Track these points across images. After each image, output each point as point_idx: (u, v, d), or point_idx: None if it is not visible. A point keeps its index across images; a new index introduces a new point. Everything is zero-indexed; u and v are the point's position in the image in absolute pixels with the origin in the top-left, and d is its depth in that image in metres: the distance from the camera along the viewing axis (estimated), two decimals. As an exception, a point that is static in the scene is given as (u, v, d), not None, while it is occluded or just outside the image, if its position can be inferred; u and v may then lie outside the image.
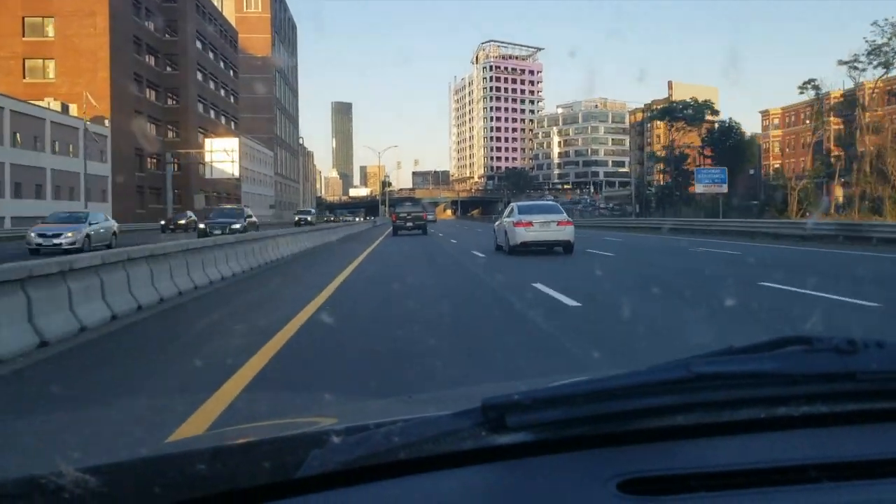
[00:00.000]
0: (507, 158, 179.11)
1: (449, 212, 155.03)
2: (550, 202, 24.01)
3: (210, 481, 0.78)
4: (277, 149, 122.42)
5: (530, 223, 17.70)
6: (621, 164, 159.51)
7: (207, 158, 63.74)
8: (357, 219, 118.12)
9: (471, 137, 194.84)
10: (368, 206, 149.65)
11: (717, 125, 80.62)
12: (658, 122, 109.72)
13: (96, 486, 0.73)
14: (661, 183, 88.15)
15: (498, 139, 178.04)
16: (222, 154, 63.02)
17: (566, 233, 17.89)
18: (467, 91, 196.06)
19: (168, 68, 68.83)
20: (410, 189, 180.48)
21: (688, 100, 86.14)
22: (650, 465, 0.82)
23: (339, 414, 1.42)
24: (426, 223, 38.26)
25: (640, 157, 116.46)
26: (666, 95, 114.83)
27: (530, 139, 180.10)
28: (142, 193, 62.91)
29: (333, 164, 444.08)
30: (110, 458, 0.86)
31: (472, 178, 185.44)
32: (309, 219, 60.12)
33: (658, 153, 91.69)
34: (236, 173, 65.15)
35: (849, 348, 0.89)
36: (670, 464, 0.83)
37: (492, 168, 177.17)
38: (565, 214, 18.67)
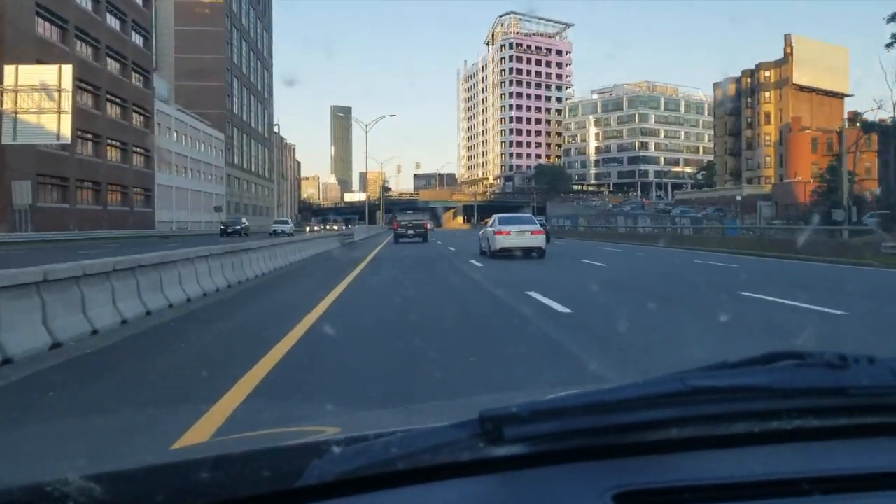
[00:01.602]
0: (528, 156, 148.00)
1: (460, 219, 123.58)
2: (526, 214, 27.89)
3: (212, 489, 0.79)
4: (236, 133, 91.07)
5: (508, 232, 20.94)
6: (674, 161, 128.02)
7: (6, 105, 32.23)
8: (335, 227, 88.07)
9: (484, 132, 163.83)
10: (362, 212, 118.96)
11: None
12: (768, 94, 78.62)
13: (100, 494, 0.74)
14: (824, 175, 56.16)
15: (518, 132, 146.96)
16: (38, 96, 31.68)
17: (539, 240, 21.03)
18: (480, 77, 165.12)
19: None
20: (412, 193, 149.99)
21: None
22: (645, 477, 0.83)
23: (339, 424, 1.44)
24: (427, 231, 37.52)
25: (734, 144, 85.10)
26: (747, 69, 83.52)
27: (558, 132, 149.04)
28: None
29: (332, 170, 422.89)
30: (114, 466, 0.87)
31: (486, 179, 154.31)
32: (286, 230, 50.66)
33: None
34: (66, 133, 33.42)
35: (840, 363, 0.92)
36: (665, 476, 0.84)
37: (510, 167, 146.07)
38: (538, 225, 22.28)
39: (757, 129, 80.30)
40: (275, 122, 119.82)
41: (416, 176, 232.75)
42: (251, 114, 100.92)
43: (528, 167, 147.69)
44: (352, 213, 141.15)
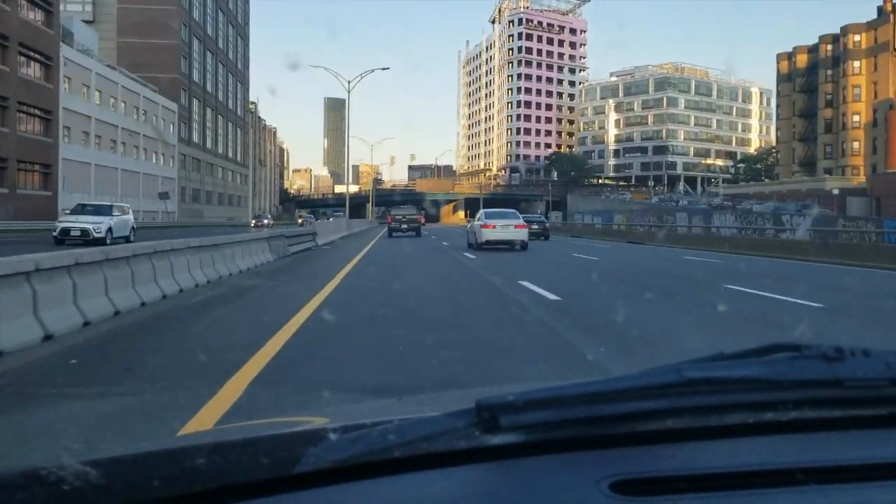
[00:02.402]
0: (537, 145, 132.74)
1: (461, 213, 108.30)
2: (510, 210, 26.07)
3: (208, 476, 0.79)
4: (196, 105, 75.61)
5: (494, 226, 22.18)
6: (706, 153, 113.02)
7: None
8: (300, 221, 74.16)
9: (487, 119, 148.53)
10: (354, 205, 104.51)
11: None
12: (857, 64, 63.49)
13: (96, 479, 0.74)
14: None
15: (526, 118, 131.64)
16: None
17: (522, 234, 22.42)
18: (484, 59, 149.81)
19: None
20: (409, 183, 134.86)
21: None
22: (641, 466, 0.84)
23: (336, 413, 1.42)
24: (420, 226, 38.15)
25: (805, 128, 69.87)
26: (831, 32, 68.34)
27: (570, 120, 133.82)
28: None
29: (325, 162, 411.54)
30: (111, 452, 0.88)
31: (489, 170, 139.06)
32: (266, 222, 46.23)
33: None
34: None
35: (836, 355, 0.92)
36: (660, 466, 0.85)
37: (517, 157, 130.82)
38: (521, 219, 23.40)
39: (840, 107, 65.30)
40: (251, 100, 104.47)
41: (410, 167, 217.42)
42: (220, 86, 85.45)
43: (536, 158, 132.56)
44: (341, 205, 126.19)
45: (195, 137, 74.06)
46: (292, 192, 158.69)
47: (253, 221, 52.42)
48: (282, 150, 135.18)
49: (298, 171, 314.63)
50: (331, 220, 51.94)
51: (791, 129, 73.44)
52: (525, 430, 0.84)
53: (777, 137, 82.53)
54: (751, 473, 0.83)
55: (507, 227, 22.06)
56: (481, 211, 24.11)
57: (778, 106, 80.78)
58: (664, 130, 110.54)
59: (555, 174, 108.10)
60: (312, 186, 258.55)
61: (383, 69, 47.35)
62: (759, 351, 0.96)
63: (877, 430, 0.95)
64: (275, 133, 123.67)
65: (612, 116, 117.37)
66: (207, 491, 0.78)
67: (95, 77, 50.11)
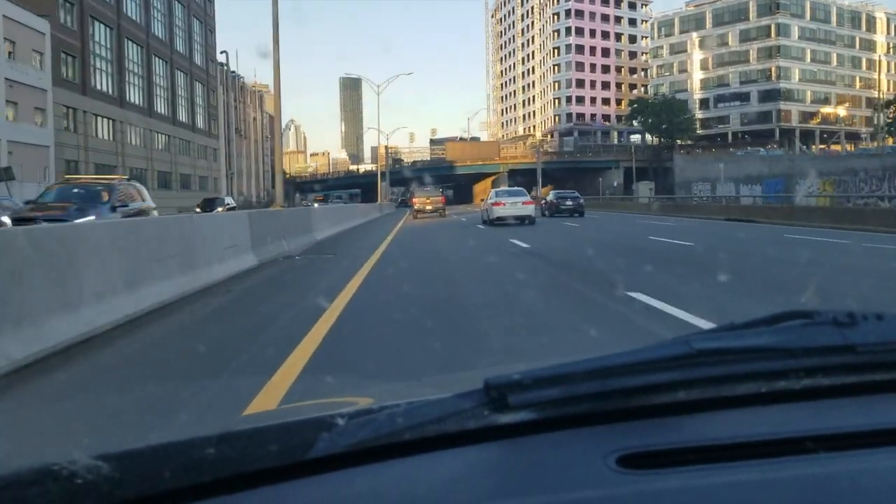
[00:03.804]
0: (594, 100, 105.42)
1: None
2: (518, 188, 28.25)
3: (218, 465, 0.80)
4: (103, 33, 49.60)
5: (504, 203, 24.35)
6: (822, 98, 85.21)
7: None
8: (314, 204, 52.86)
9: (526, 73, 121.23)
10: (368, 185, 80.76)
11: None
12: None
13: (107, 472, 0.75)
14: None
15: (579, 67, 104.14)
16: None
17: (529, 209, 24.58)
18: (519, 1, 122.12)
19: None
20: (434, 152, 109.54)
21: None
22: (650, 440, 0.84)
23: (346, 398, 1.40)
24: (444, 207, 38.04)
25: None
26: None
27: (632, 69, 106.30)
28: None
29: (343, 145, 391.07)
30: (121, 444, 0.88)
31: (531, 136, 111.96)
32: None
33: None
34: None
35: (848, 321, 0.91)
36: (670, 438, 0.85)
37: (568, 117, 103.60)
38: (528, 196, 25.65)
39: None
40: (220, 52, 78.37)
41: (432, 142, 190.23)
42: (159, 18, 59.21)
43: (593, 117, 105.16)
44: (354, 186, 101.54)
45: (96, 83, 47.91)
46: (293, 173, 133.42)
47: (196, 209, 35.63)
48: (270, 117, 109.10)
49: (316, 154, 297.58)
50: (316, 206, 38.51)
51: None
52: (534, 407, 0.85)
53: None
54: (760, 443, 0.83)
55: (515, 204, 24.41)
56: (492, 191, 27.75)
57: None
58: (773, 69, 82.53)
59: (634, 135, 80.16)
60: (330, 169, 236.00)
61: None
62: (769, 319, 0.95)
63: (890, 396, 0.94)
64: (261, 98, 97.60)
65: (698, 56, 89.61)
66: (219, 480, 0.79)
67: None
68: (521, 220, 24.31)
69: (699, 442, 0.84)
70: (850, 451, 0.83)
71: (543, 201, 35.03)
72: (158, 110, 58.74)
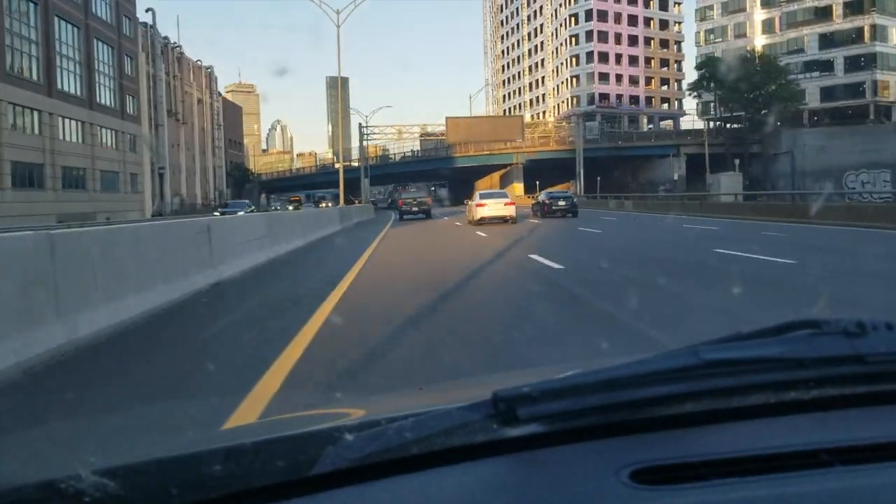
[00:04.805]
0: (619, 79, 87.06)
1: (518, 187, 63.73)
2: (499, 191, 32.20)
3: (225, 481, 0.79)
4: None
5: (486, 204, 25.79)
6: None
7: None
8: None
9: (534, 50, 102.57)
10: (348, 184, 61.39)
11: None
12: None
13: (113, 489, 0.74)
14: None
15: (601, 38, 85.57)
16: None
17: (510, 210, 25.86)
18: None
19: None
20: (426, 150, 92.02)
21: None
22: (661, 453, 0.83)
23: (350, 409, 1.42)
24: (430, 208, 37.87)
25: None
26: None
27: (663, 41, 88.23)
28: None
29: (330, 145, 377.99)
30: (126, 461, 0.87)
31: (542, 123, 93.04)
32: None
33: None
34: None
35: (857, 331, 0.90)
36: (681, 451, 0.84)
37: (590, 99, 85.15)
38: (510, 198, 27.41)
39: None
40: (146, 9, 59.18)
41: (423, 137, 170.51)
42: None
43: (619, 98, 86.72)
44: (331, 185, 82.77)
45: None
46: (259, 170, 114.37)
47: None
48: (228, 101, 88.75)
49: (302, 154, 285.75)
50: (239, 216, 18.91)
51: None
52: (543, 420, 0.84)
53: None
54: (773, 456, 0.82)
55: (497, 205, 25.79)
56: (476, 193, 29.11)
57: None
58: (866, 28, 63.93)
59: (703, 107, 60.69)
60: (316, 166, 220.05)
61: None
62: (777, 329, 0.94)
63: None
64: (211, 77, 77.91)
65: (760, 15, 70.98)
66: (226, 496, 0.78)
67: None
68: (504, 220, 25.30)
69: (711, 455, 0.83)
70: (865, 464, 0.81)
71: (535, 202, 35.10)
72: (64, 88, 39.55)
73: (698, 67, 59.64)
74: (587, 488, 0.78)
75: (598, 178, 49.52)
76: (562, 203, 31.07)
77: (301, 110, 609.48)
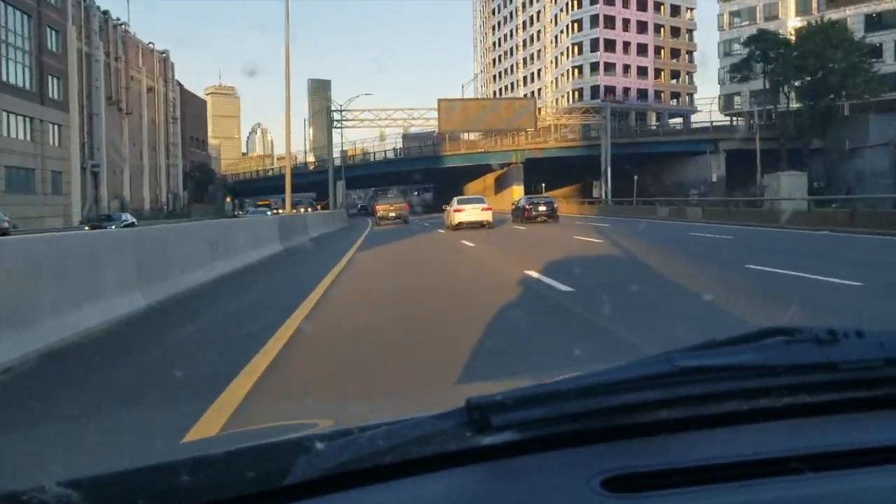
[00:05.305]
0: (626, 69, 78.06)
1: (517, 189, 53.96)
2: (477, 196, 32.07)
3: (194, 492, 0.77)
4: None
5: (463, 210, 26.69)
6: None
7: None
8: None
9: (529, 41, 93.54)
10: (326, 188, 51.91)
11: None
12: None
13: (79, 501, 0.73)
14: None
15: (609, 23, 76.64)
16: None
17: (487, 215, 26.65)
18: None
19: None
20: (410, 148, 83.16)
21: None
22: (634, 461, 0.83)
23: (323, 417, 1.42)
24: (407, 215, 38.40)
25: None
26: None
27: (674, 28, 79.42)
28: None
29: (311, 148, 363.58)
30: (93, 471, 0.85)
31: (543, 120, 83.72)
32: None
33: None
34: None
35: (829, 338, 0.91)
36: (653, 459, 0.84)
37: (594, 91, 76.14)
38: (486, 203, 28.05)
39: None
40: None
41: (406, 137, 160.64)
42: None
43: (626, 91, 77.76)
44: (305, 187, 74.18)
45: None
46: (225, 171, 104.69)
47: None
48: (189, 92, 78.71)
49: (283, 157, 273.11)
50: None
51: None
52: (517, 428, 0.84)
53: None
54: (745, 463, 0.82)
55: (474, 210, 26.53)
56: (454, 199, 28.95)
57: None
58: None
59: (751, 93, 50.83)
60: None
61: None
62: (751, 336, 0.94)
63: (872, 413, 0.94)
64: (166, 60, 68.02)
65: (795, -7, 62.12)
66: None
67: None
68: (481, 225, 25.95)
69: (683, 463, 0.83)
70: (835, 470, 0.82)
71: (514, 207, 34.19)
72: None
73: (746, 43, 50.08)
74: (559, 497, 0.79)
75: (636, 178, 40.19)
76: (542, 208, 31.31)
77: (282, 113, 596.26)
